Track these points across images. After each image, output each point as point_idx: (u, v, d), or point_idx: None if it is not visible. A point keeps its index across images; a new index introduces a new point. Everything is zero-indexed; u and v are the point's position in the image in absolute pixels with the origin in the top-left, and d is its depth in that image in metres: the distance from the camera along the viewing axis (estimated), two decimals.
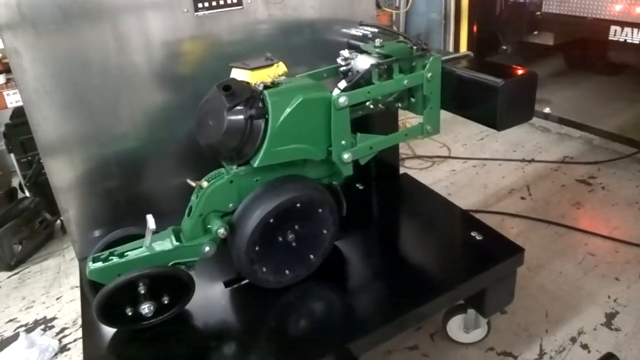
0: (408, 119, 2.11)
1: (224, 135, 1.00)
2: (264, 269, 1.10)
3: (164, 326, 1.08)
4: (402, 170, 1.80)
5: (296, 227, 1.12)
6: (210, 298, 1.18)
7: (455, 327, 1.44)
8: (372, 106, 1.34)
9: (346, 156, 1.14)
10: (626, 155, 2.47)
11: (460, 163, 2.55)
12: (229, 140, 1.01)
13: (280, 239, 1.11)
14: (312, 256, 1.18)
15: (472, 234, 1.36)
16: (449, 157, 2.62)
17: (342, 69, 1.33)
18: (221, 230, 1.02)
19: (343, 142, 1.14)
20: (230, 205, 1.07)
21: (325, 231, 1.18)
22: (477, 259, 1.30)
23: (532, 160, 2.51)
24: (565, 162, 2.48)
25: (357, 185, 1.65)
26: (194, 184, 1.06)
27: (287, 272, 1.14)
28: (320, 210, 1.15)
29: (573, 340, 1.48)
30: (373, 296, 1.20)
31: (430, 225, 1.48)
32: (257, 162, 1.04)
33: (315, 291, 1.19)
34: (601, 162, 2.44)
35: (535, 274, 1.74)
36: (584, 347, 1.46)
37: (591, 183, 2.29)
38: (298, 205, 1.09)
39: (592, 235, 1.93)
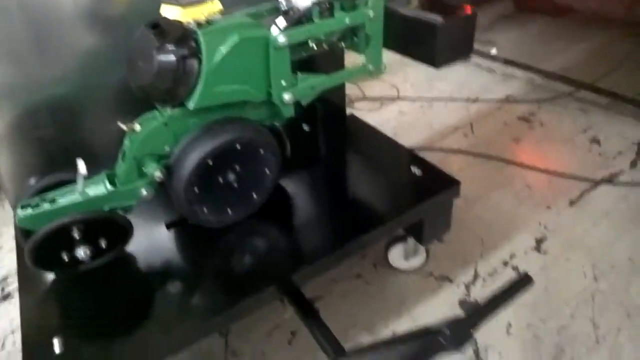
0: None
1: (155, 77, 0.98)
2: (205, 210, 1.12)
3: (107, 270, 1.09)
4: (351, 112, 1.82)
5: (237, 168, 1.13)
6: (153, 240, 1.19)
7: (396, 255, 1.53)
8: (315, 46, 1.33)
9: (287, 97, 1.14)
10: (565, 94, 2.58)
11: (408, 103, 2.60)
12: (160, 82, 0.99)
13: (221, 180, 1.12)
14: (254, 195, 1.20)
15: (412, 169, 1.42)
16: (398, 97, 2.65)
17: (282, 7, 1.29)
18: (157, 174, 1.02)
19: (283, 82, 1.13)
20: (166, 147, 1.06)
21: (267, 171, 1.20)
22: (416, 192, 1.37)
23: (477, 100, 2.59)
24: (508, 101, 2.57)
25: (304, 126, 1.66)
26: (125, 128, 1.04)
27: (229, 211, 1.17)
28: (261, 151, 1.16)
29: (505, 263, 1.61)
30: (316, 229, 1.25)
31: (374, 163, 1.53)
32: (192, 104, 1.03)
33: (259, 228, 1.23)
34: (542, 101, 2.54)
35: (473, 206, 1.85)
36: (515, 269, 1.59)
37: (531, 120, 2.40)
38: (237, 146, 1.10)
39: (529, 168, 2.05)
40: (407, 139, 2.19)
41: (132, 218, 1.10)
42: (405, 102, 2.61)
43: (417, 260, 1.55)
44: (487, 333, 1.38)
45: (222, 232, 1.19)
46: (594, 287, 1.54)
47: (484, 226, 1.76)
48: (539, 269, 1.59)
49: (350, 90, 2.61)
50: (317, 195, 1.38)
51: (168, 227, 1.20)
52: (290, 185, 1.38)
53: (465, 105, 2.55)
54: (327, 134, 1.69)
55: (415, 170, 1.42)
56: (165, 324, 1.00)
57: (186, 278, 1.10)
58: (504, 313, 1.44)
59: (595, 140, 2.22)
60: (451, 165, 2.05)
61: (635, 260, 1.63)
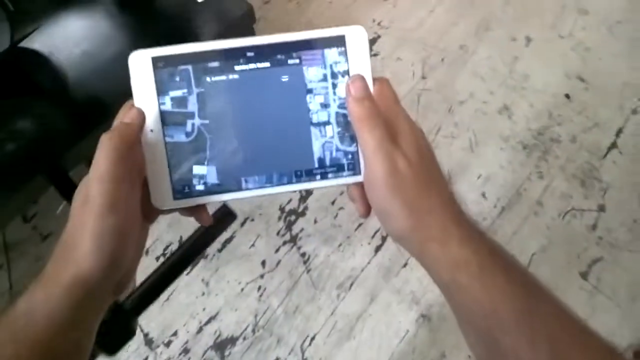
0: None
1: None
2: None
3: None
4: None
5: None
6: None
7: None
8: None
9: None
10: None
11: None
12: None
13: None
14: None
15: None
16: None
17: None
18: None
19: None
20: None
21: None
22: (201, 20, 1.14)
23: None
24: None
25: None
26: None
27: None
28: None
29: None
30: (86, 92, 1.06)
31: None
32: None
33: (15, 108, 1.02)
34: None
35: (304, 10, 1.61)
36: None
37: None
38: None
39: None
40: None
41: None
42: None
43: None
44: None
45: None
46: (422, 86, 1.51)
47: None
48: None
49: None
50: (80, 44, 1.12)
51: None
52: (42, 42, 1.09)
53: None
54: None
55: None
56: None
57: None
58: None
59: None
60: None
61: (468, 47, 1.56)
